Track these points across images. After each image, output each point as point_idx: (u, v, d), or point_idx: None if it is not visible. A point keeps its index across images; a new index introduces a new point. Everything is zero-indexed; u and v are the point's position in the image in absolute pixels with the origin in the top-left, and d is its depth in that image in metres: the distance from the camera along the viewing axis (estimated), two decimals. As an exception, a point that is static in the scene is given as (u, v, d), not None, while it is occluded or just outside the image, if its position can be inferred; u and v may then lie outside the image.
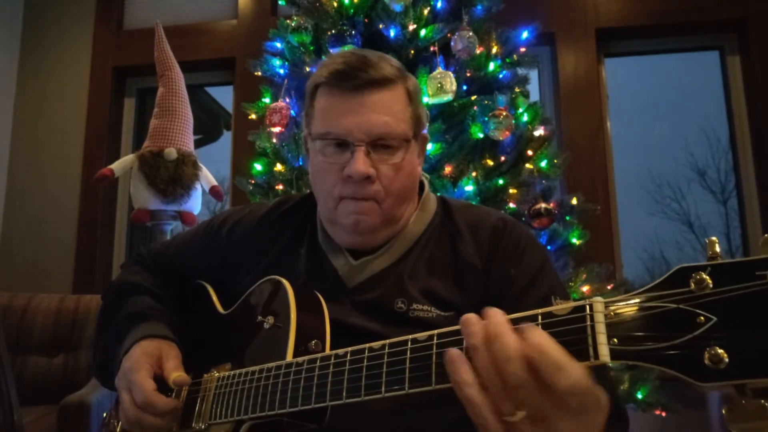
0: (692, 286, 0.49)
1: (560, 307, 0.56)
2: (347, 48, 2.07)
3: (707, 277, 0.49)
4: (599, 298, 0.54)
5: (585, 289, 2.07)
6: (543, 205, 2.00)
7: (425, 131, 1.01)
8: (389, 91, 0.91)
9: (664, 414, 2.11)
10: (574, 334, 0.54)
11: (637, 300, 0.52)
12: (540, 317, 0.57)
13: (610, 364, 0.54)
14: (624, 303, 0.53)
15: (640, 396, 2.04)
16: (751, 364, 0.46)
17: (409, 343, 0.65)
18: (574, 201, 2.17)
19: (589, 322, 0.53)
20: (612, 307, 0.53)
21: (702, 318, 0.48)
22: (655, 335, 0.50)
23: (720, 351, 0.47)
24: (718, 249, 0.50)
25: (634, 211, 3.23)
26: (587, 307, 0.54)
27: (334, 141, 0.90)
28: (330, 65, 0.92)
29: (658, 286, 0.52)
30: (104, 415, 1.08)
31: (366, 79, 0.89)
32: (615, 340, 0.52)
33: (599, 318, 0.53)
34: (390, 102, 0.91)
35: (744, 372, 0.46)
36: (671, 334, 0.49)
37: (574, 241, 2.11)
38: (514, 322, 0.57)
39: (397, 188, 0.92)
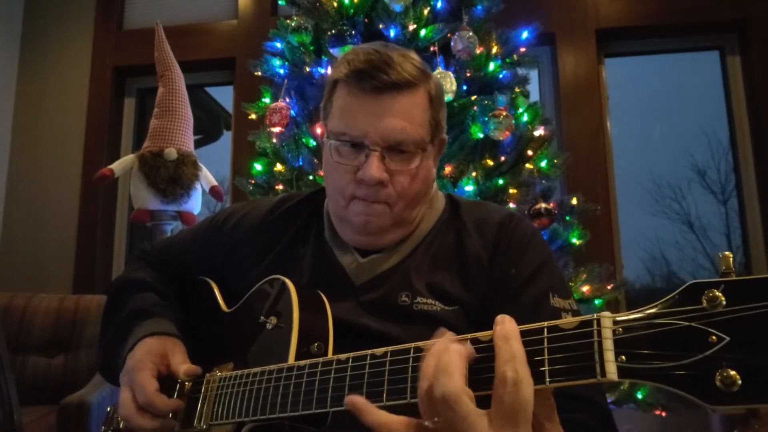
0: (704, 303, 0.47)
1: (567, 321, 0.54)
2: (347, 48, 2.07)
3: (720, 295, 0.47)
4: (607, 313, 0.52)
5: (585, 289, 2.07)
6: (543, 205, 2.00)
7: (444, 134, 0.99)
8: (410, 96, 0.89)
9: (664, 414, 2.11)
10: (580, 350, 0.52)
11: (647, 316, 0.50)
12: (546, 331, 0.55)
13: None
14: (633, 319, 0.51)
15: (640, 396, 2.05)
16: (765, 387, 0.44)
17: (412, 351, 0.64)
18: (574, 201, 2.17)
19: (596, 338, 0.51)
20: (620, 323, 0.51)
21: (714, 337, 0.46)
22: (664, 354, 0.48)
23: (732, 373, 0.44)
24: (732, 265, 0.48)
25: (634, 211, 3.22)
26: (595, 322, 0.52)
27: (350, 142, 0.89)
28: (352, 61, 0.89)
29: (669, 302, 0.50)
30: (108, 409, 1.07)
31: (386, 81, 0.86)
32: (623, 357, 0.50)
33: (607, 334, 0.51)
34: (409, 107, 0.89)
35: (758, 396, 0.44)
36: (682, 353, 0.47)
37: (574, 241, 2.11)
38: (523, 334, 0.56)
39: (410, 193, 0.91)
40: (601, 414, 0.81)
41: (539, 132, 2.15)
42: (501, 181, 2.02)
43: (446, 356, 0.56)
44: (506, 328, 0.56)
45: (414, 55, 0.93)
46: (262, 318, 0.88)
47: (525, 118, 2.15)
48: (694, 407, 0.47)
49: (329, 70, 2.14)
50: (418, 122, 0.90)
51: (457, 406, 0.53)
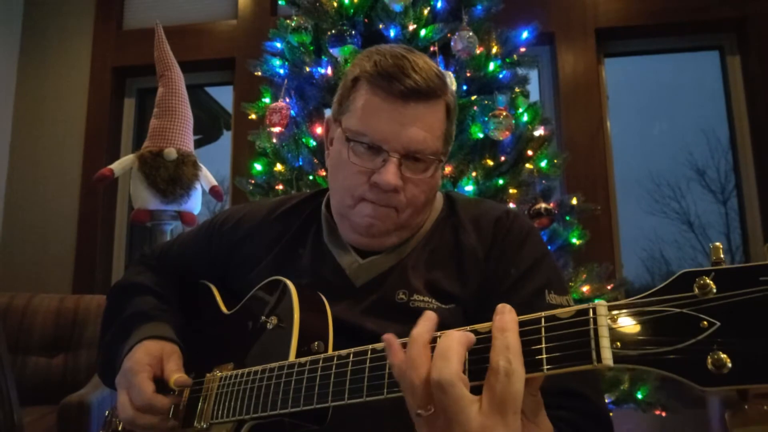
0: (696, 290, 0.49)
1: (564, 310, 0.56)
2: (347, 48, 2.07)
3: (711, 282, 0.49)
4: (603, 302, 0.54)
5: (585, 288, 2.07)
6: (543, 205, 2.01)
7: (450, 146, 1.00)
8: (432, 106, 0.89)
9: (664, 414, 2.12)
10: (577, 338, 0.54)
11: (641, 304, 0.52)
12: (543, 320, 0.57)
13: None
14: (627, 307, 0.53)
15: (640, 396, 2.05)
16: (754, 369, 0.46)
17: None
18: (574, 201, 2.17)
19: (592, 326, 0.53)
20: (615, 311, 0.53)
21: (705, 323, 0.48)
22: (658, 339, 0.50)
23: (723, 356, 0.47)
24: (722, 254, 0.50)
25: (634, 211, 3.23)
26: (590, 310, 0.54)
27: (368, 144, 0.88)
28: (379, 62, 0.88)
29: (661, 291, 0.51)
30: (106, 413, 1.08)
31: (413, 87, 0.86)
32: (618, 343, 0.52)
33: (602, 322, 0.53)
34: (431, 117, 0.89)
35: (747, 377, 0.46)
36: (674, 338, 0.49)
37: (574, 241, 2.11)
38: (521, 324, 0.58)
39: (419, 201, 0.91)
40: (594, 412, 0.81)
41: (539, 132, 2.15)
42: (501, 181, 2.03)
43: (446, 341, 0.58)
44: (505, 318, 0.57)
45: (434, 68, 0.92)
46: (262, 318, 0.88)
47: (525, 118, 2.15)
48: (692, 390, 0.48)
49: (329, 70, 2.14)
50: (436, 134, 0.90)
51: (451, 390, 0.54)
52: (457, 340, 0.58)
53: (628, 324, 0.52)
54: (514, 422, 0.54)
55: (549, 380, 0.58)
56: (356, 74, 0.91)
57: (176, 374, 0.91)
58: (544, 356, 0.55)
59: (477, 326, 0.61)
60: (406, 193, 0.89)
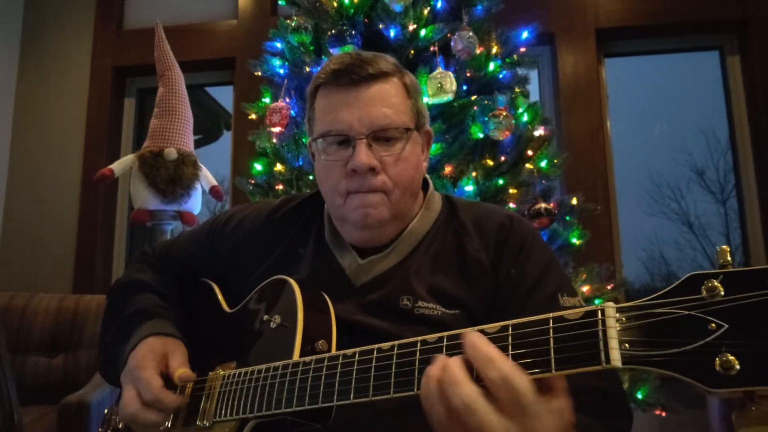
0: (704, 293, 0.50)
1: (572, 311, 0.56)
2: (347, 48, 2.08)
3: (719, 285, 0.49)
4: (611, 303, 0.54)
5: (585, 289, 2.07)
6: (543, 205, 2.01)
7: (429, 127, 1.01)
8: (387, 84, 0.93)
9: (664, 414, 2.11)
10: (585, 339, 0.54)
11: (649, 306, 0.53)
12: (551, 321, 0.57)
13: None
14: (636, 308, 0.53)
15: (640, 396, 2.05)
16: (762, 371, 0.46)
17: (419, 344, 0.65)
18: (574, 201, 2.17)
19: (600, 327, 0.54)
20: (624, 313, 0.53)
21: (713, 325, 0.49)
22: (666, 341, 0.51)
23: (731, 358, 0.47)
24: (729, 257, 0.50)
25: (634, 211, 3.23)
26: (599, 312, 0.54)
27: (336, 138, 0.91)
28: (327, 66, 0.94)
29: (669, 293, 0.52)
30: (105, 410, 1.08)
31: (363, 74, 0.90)
32: (626, 345, 0.52)
33: (611, 323, 0.53)
34: (388, 93, 0.92)
35: (755, 379, 0.46)
36: (682, 340, 0.50)
37: (574, 241, 2.11)
38: (530, 325, 0.58)
39: (404, 179, 0.93)
40: (620, 406, 0.85)
41: (539, 132, 2.15)
42: (501, 181, 2.02)
43: (447, 373, 0.58)
44: (472, 338, 0.57)
45: (386, 56, 0.97)
46: (266, 317, 0.88)
47: (525, 118, 2.15)
48: (694, 391, 0.49)
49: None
50: (399, 108, 0.92)
51: (476, 406, 0.54)
52: (454, 364, 0.58)
53: (636, 325, 0.53)
54: (536, 407, 0.54)
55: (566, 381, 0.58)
56: (314, 86, 0.97)
57: (180, 369, 0.91)
58: (552, 357, 0.56)
59: (485, 327, 0.61)
60: (388, 172, 0.91)
